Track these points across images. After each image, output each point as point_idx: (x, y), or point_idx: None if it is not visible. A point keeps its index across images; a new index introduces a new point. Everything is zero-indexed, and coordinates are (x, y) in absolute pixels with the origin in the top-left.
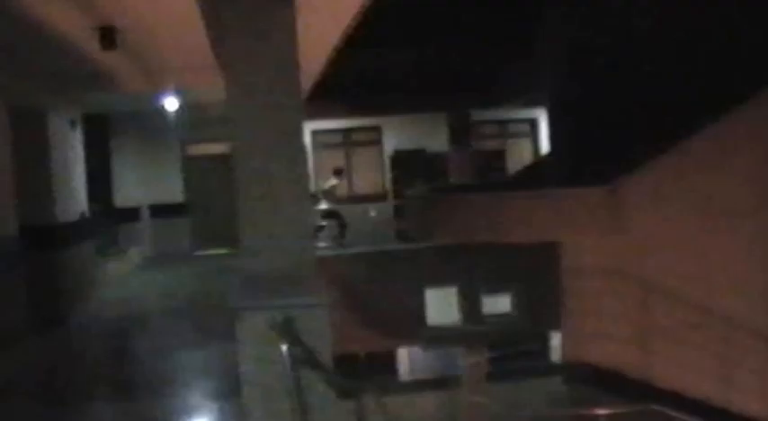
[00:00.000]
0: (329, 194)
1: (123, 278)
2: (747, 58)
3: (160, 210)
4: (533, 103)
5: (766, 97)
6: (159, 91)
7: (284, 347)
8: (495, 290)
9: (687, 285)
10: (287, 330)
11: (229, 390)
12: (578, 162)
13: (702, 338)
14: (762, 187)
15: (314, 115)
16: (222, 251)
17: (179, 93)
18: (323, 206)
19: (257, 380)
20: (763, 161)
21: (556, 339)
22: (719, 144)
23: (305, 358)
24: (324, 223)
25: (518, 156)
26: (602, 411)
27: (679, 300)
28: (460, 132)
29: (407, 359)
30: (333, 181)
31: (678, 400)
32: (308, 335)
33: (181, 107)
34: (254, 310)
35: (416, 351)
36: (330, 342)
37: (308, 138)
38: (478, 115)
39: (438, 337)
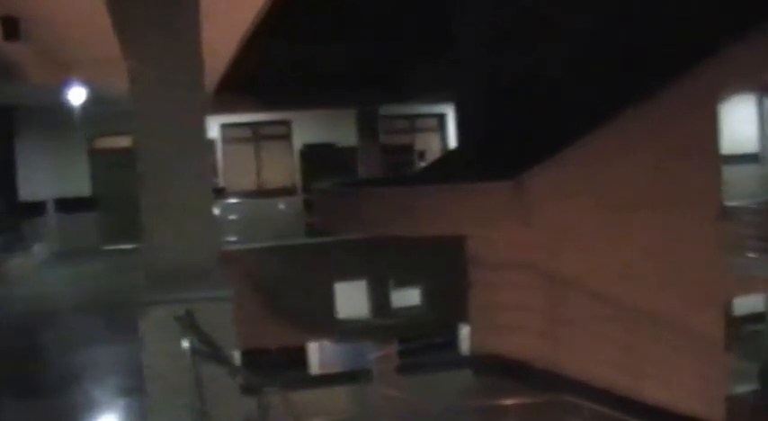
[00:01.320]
0: None
1: (28, 274)
2: (652, 54)
3: (67, 205)
4: (442, 98)
5: (664, 96)
6: (65, 83)
7: (187, 341)
8: (404, 283)
9: (592, 277)
10: (190, 324)
11: (134, 386)
12: (485, 156)
13: (608, 328)
14: (660, 181)
15: (223, 109)
16: (131, 246)
17: (85, 85)
18: (231, 199)
19: (160, 375)
20: (660, 156)
21: (465, 331)
22: (620, 139)
23: (208, 352)
24: None
25: (427, 151)
26: (511, 401)
27: (585, 291)
28: (369, 127)
29: (318, 353)
30: None
31: (586, 390)
32: (212, 328)
33: (87, 100)
34: (156, 305)
35: (328, 345)
36: (234, 335)
37: (216, 132)
38: (387, 110)
39: (348, 331)
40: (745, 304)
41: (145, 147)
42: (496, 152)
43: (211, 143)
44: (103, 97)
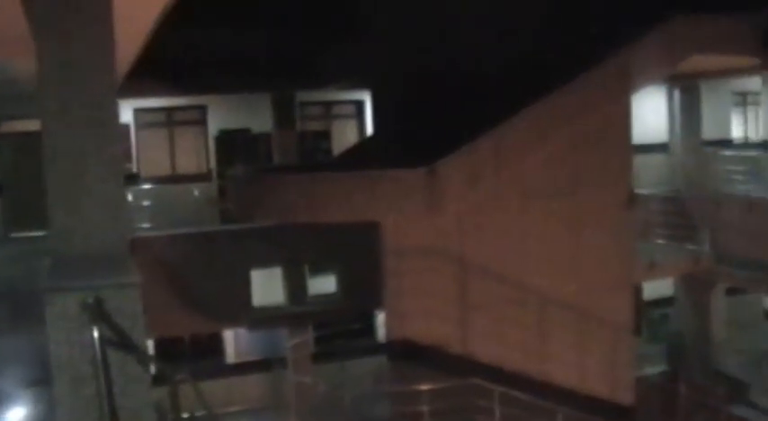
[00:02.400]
0: None
1: None
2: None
3: None
4: (359, 85)
5: (577, 85)
6: None
7: (96, 330)
8: (320, 270)
9: (503, 263)
10: (98, 312)
11: (42, 376)
12: (400, 144)
13: (517, 313)
14: (571, 170)
15: (137, 93)
16: (40, 233)
17: None
18: (145, 185)
19: (68, 364)
20: (573, 145)
21: (380, 318)
22: (533, 128)
23: (117, 340)
24: None
25: (344, 138)
26: (425, 386)
27: (495, 277)
28: (286, 113)
29: (234, 341)
30: None
31: (497, 373)
32: (122, 316)
33: None
34: (63, 292)
35: (243, 333)
36: (144, 323)
37: (130, 117)
38: (304, 96)
39: (263, 318)
40: (654, 289)
41: (52, 130)
42: (411, 139)
43: (125, 128)
44: (9, 78)
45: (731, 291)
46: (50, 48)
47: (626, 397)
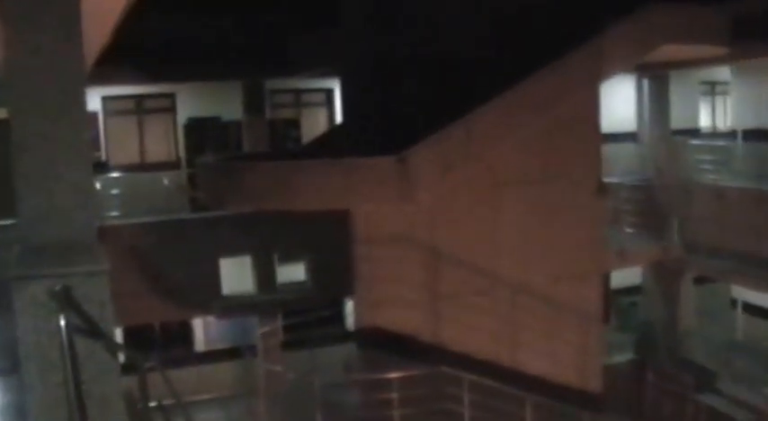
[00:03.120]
0: None
1: None
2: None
3: None
4: (329, 73)
5: (548, 73)
6: None
7: (63, 318)
8: (289, 258)
9: (474, 251)
10: (67, 300)
11: (11, 365)
12: (370, 132)
13: (488, 302)
14: (542, 158)
15: (105, 81)
16: (8, 221)
17: None
18: (114, 174)
19: (37, 353)
20: (542, 134)
21: (350, 306)
22: (503, 117)
23: (86, 328)
24: None
25: (314, 126)
26: (395, 374)
27: (467, 265)
28: (255, 101)
29: (204, 329)
30: None
31: (467, 361)
32: (90, 304)
33: None
34: (31, 280)
35: (213, 321)
36: (112, 311)
37: (98, 105)
38: (274, 84)
39: (233, 307)
40: (623, 277)
41: (19, 117)
42: (381, 128)
43: (93, 116)
44: None
45: (700, 280)
46: (19, 34)
47: (595, 384)
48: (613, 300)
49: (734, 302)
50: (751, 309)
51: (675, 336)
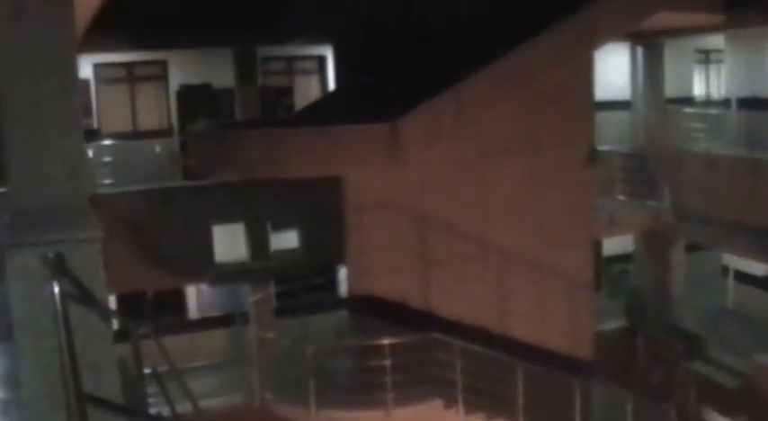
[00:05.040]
0: None
1: None
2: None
3: None
4: (321, 39)
5: (541, 41)
6: None
7: (56, 285)
8: (282, 226)
9: (465, 219)
10: (59, 267)
11: (5, 333)
12: (362, 99)
13: (479, 269)
14: (533, 126)
15: (96, 48)
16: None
17: None
18: (106, 141)
19: (29, 320)
20: (534, 101)
21: (342, 273)
22: (495, 84)
23: (79, 295)
24: None
25: (306, 93)
26: (386, 341)
27: (458, 233)
28: (247, 68)
29: (197, 297)
30: None
31: (457, 328)
32: (82, 271)
33: None
34: (23, 248)
35: (206, 289)
36: (104, 278)
37: (89, 72)
38: (266, 51)
39: (226, 274)
40: (614, 245)
41: (9, 85)
42: (374, 95)
43: (84, 83)
44: None
45: (690, 248)
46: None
47: (585, 351)
48: (604, 267)
49: (725, 270)
50: (742, 276)
51: (666, 304)
